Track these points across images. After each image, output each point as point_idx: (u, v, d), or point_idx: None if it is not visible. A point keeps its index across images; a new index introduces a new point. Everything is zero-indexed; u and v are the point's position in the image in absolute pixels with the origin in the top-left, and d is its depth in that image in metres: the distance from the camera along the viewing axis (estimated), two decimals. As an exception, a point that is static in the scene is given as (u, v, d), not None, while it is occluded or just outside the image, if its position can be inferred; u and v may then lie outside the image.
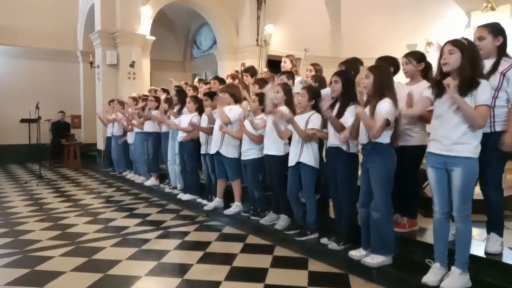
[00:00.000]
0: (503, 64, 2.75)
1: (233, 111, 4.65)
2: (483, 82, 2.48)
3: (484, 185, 2.84)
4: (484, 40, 2.76)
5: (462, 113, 2.48)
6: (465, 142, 2.51)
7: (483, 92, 2.46)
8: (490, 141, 2.63)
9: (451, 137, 2.54)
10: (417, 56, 3.30)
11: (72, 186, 7.46)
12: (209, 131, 5.02)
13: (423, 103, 2.78)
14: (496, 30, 2.80)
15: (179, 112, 5.79)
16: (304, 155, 3.66)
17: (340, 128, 3.28)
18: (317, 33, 11.39)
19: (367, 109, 3.00)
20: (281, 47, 10.98)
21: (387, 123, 2.85)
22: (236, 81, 5.75)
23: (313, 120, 3.61)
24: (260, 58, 10.70)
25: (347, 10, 11.91)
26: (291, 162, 3.76)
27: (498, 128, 2.75)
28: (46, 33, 11.06)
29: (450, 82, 2.45)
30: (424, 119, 3.16)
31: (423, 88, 3.09)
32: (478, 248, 2.88)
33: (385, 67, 3.12)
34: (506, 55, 2.81)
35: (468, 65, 2.46)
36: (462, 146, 2.51)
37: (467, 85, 2.47)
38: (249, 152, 4.37)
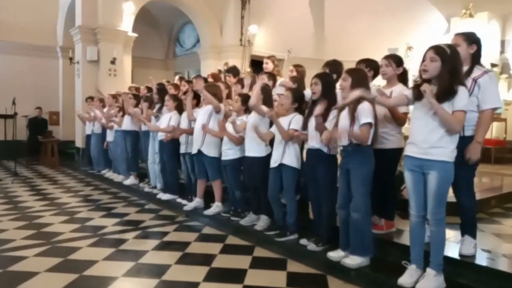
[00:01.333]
0: (476, 72, 2.84)
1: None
2: (461, 89, 2.51)
3: (456, 189, 2.89)
4: (459, 47, 2.83)
5: (439, 118, 2.52)
6: (441, 146, 2.55)
7: (461, 98, 2.50)
8: (460, 147, 2.67)
9: (429, 140, 2.58)
10: (397, 60, 3.36)
11: (49, 184, 7.30)
12: (190, 132, 4.97)
13: (399, 98, 2.85)
14: (470, 38, 2.91)
15: (159, 111, 5.73)
16: (287, 156, 3.67)
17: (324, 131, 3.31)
18: (300, 35, 11.45)
19: (345, 112, 3.02)
20: (265, 47, 11.00)
21: (370, 126, 2.91)
22: (219, 83, 5.71)
23: (294, 122, 3.63)
24: (243, 58, 10.70)
25: (331, 13, 12.02)
26: (273, 163, 3.77)
27: (467, 133, 2.81)
28: (24, 27, 10.78)
29: (426, 88, 2.50)
30: (395, 117, 3.21)
31: (398, 92, 3.16)
32: (452, 250, 2.95)
33: (363, 70, 3.17)
34: (480, 64, 2.90)
35: (447, 74, 2.50)
36: (438, 150, 2.55)
37: (445, 94, 2.51)
38: (229, 152, 4.35)
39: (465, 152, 2.76)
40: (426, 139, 2.59)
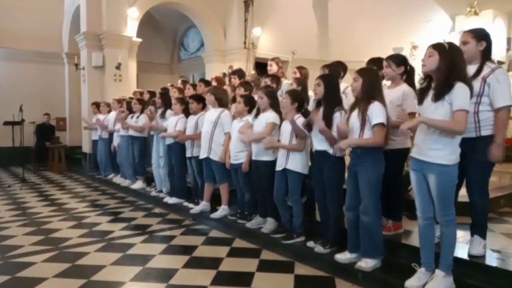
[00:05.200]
0: (485, 70, 2.78)
1: (223, 119, 4.59)
2: (458, 85, 2.44)
3: (470, 189, 2.85)
4: (468, 44, 2.80)
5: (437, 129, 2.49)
6: (438, 148, 2.52)
7: (458, 96, 2.43)
8: (476, 146, 2.64)
9: (426, 142, 2.58)
10: (397, 60, 3.30)
11: (57, 189, 7.34)
12: (197, 138, 4.96)
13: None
14: (479, 35, 2.84)
15: (163, 115, 5.74)
16: (291, 161, 3.66)
17: (331, 138, 3.29)
18: (304, 36, 11.43)
19: (355, 113, 2.99)
20: (269, 49, 11.00)
21: (383, 126, 2.89)
22: (225, 86, 5.72)
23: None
24: (247, 60, 10.70)
25: (335, 14, 11.99)
26: (278, 167, 3.76)
27: (484, 132, 2.77)
28: (30, 35, 10.87)
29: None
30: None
31: (402, 92, 3.14)
32: (461, 251, 2.91)
33: (374, 71, 3.13)
34: (490, 60, 2.83)
35: (445, 68, 2.47)
36: (435, 152, 2.53)
37: (441, 88, 2.48)
38: (241, 155, 4.31)
39: (488, 155, 2.72)
40: (424, 141, 2.59)
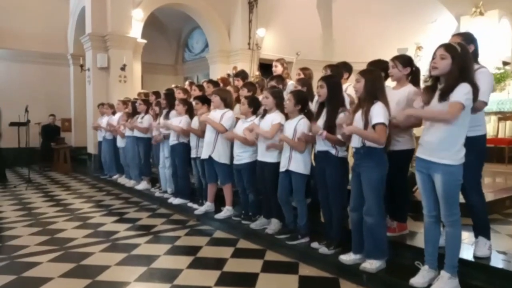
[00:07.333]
0: None
1: (225, 116, 4.60)
2: (462, 84, 2.45)
3: (465, 191, 2.84)
4: None
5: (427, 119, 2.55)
6: (444, 148, 2.52)
7: (458, 91, 2.45)
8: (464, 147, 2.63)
9: (432, 142, 2.58)
10: (404, 60, 3.29)
11: (62, 190, 7.38)
12: (200, 134, 4.97)
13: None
14: (468, 38, 2.92)
15: (167, 116, 5.76)
16: (293, 162, 3.67)
17: (337, 142, 3.28)
18: (308, 37, 11.43)
19: (359, 114, 3.00)
20: (273, 50, 11.00)
21: (384, 126, 2.87)
22: (229, 87, 5.72)
23: (300, 127, 3.63)
24: (252, 61, 10.70)
25: (339, 14, 11.97)
26: (281, 168, 3.77)
27: (470, 133, 2.72)
28: (36, 36, 10.96)
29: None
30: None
31: (407, 92, 3.14)
32: (467, 252, 2.90)
33: (377, 71, 3.13)
34: (477, 63, 2.89)
35: (456, 72, 2.48)
36: (441, 152, 2.53)
37: (449, 89, 2.48)
38: (244, 155, 4.31)
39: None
40: (430, 140, 2.59)
